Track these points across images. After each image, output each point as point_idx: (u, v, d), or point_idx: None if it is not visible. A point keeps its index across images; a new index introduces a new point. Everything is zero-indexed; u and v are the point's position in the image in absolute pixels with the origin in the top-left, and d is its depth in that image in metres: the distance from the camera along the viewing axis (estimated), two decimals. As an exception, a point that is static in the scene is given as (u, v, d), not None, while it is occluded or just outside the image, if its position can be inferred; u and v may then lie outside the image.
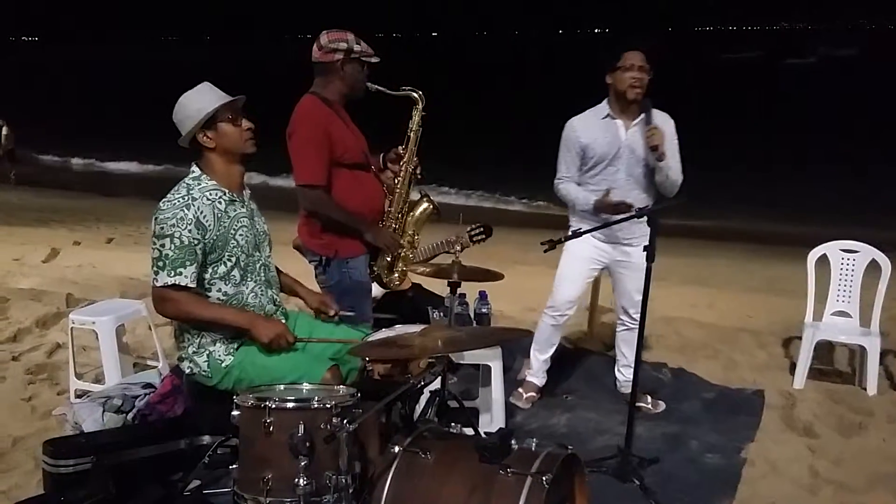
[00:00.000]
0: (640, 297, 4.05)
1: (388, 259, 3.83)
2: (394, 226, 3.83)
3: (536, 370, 4.35)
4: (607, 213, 3.79)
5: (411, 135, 3.83)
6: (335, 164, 3.59)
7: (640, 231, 3.96)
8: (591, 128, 3.94)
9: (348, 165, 3.63)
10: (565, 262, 4.17)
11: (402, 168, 3.83)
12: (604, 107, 3.97)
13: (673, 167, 3.90)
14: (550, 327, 4.26)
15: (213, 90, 2.99)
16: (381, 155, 3.92)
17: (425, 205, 3.96)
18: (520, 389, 4.33)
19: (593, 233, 3.89)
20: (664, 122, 3.94)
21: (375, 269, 3.79)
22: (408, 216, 3.90)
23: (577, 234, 3.72)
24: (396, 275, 3.87)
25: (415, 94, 3.81)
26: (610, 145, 3.90)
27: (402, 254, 3.87)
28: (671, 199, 3.84)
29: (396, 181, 3.84)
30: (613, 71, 3.87)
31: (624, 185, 3.91)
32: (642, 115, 3.90)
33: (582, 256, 4.10)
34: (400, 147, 3.85)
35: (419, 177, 3.87)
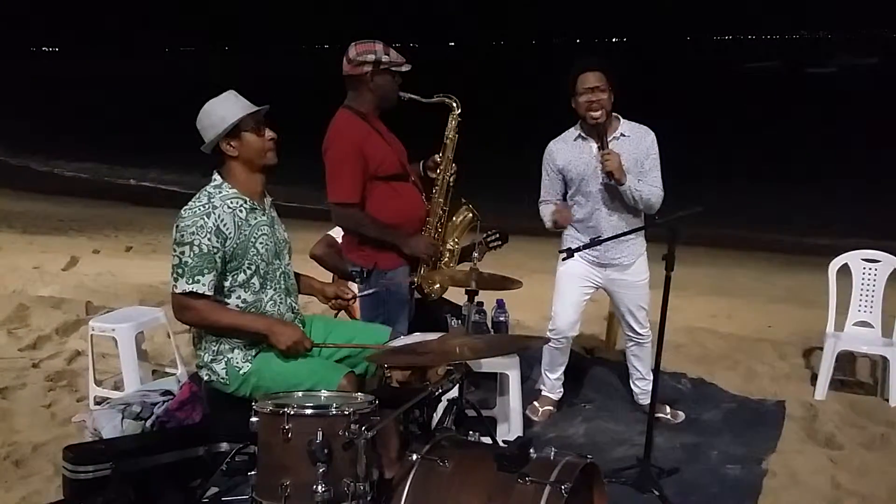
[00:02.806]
0: (643, 313, 4.08)
1: (429, 267, 3.77)
2: (433, 234, 3.77)
3: (550, 387, 4.33)
4: (557, 226, 3.86)
5: (447, 142, 3.78)
6: (371, 178, 3.58)
7: (627, 250, 3.96)
8: (565, 150, 3.94)
9: (385, 178, 3.61)
10: (559, 285, 4.13)
11: (439, 176, 3.78)
12: (575, 128, 3.94)
13: (642, 189, 3.80)
14: (555, 350, 4.23)
15: (238, 99, 3.01)
16: (421, 163, 3.87)
17: (465, 212, 3.89)
18: (535, 403, 4.31)
19: (581, 256, 3.91)
20: (641, 136, 3.87)
21: (416, 279, 3.74)
22: (447, 224, 3.84)
23: (596, 242, 3.70)
24: (438, 286, 3.80)
25: (449, 101, 3.76)
26: (586, 165, 3.87)
27: (442, 262, 3.82)
28: (687, 209, 3.76)
29: (434, 190, 3.79)
30: (573, 95, 3.82)
31: (604, 203, 3.89)
32: (619, 133, 3.86)
33: (575, 275, 4.06)
34: (437, 155, 3.80)
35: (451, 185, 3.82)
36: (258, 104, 3.03)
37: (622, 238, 3.80)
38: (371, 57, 3.56)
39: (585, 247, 3.70)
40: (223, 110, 2.96)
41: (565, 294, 4.11)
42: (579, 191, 3.93)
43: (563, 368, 4.29)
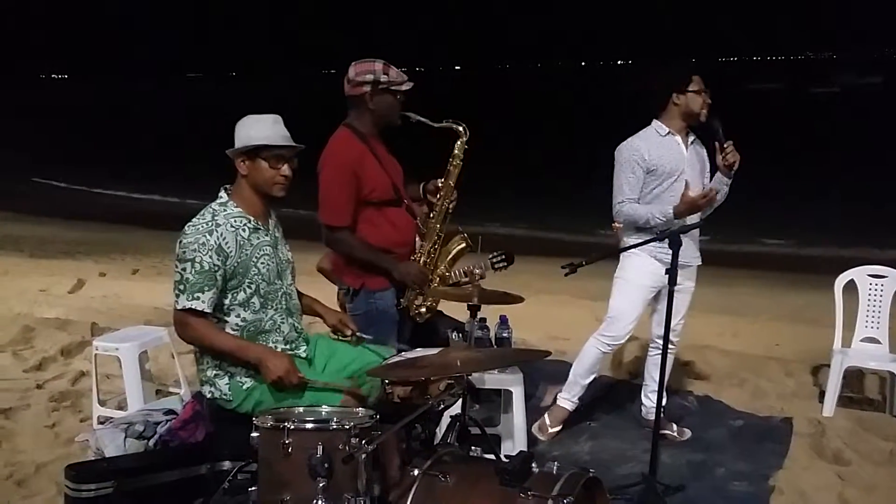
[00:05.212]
0: (681, 321, 4.10)
1: (416, 292, 3.73)
2: (425, 261, 3.73)
3: (574, 395, 4.24)
4: (693, 211, 3.78)
5: (451, 168, 3.73)
6: (362, 203, 3.56)
7: (691, 253, 4.00)
8: (654, 146, 3.93)
9: (376, 203, 3.59)
10: (624, 290, 4.06)
11: (438, 203, 3.74)
12: (660, 126, 3.98)
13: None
14: (601, 354, 4.17)
15: (275, 125, 3.01)
16: (422, 185, 3.84)
17: (460, 241, 3.83)
18: (546, 419, 4.25)
19: (655, 256, 3.90)
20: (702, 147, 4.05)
21: (403, 302, 3.72)
22: (441, 251, 3.79)
23: (597, 258, 3.68)
24: (424, 309, 3.78)
25: (457, 127, 3.71)
26: (676, 162, 3.92)
27: (431, 288, 3.76)
28: (689, 223, 3.79)
29: (431, 215, 3.75)
30: (683, 92, 3.92)
31: None
32: (692, 136, 4.03)
33: (642, 284, 4.01)
34: (439, 180, 3.76)
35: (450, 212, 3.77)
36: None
37: (694, 238, 3.96)
38: (370, 77, 3.55)
39: (588, 262, 3.67)
40: (254, 130, 2.97)
41: (632, 296, 4.05)
42: (662, 186, 3.92)
43: (593, 377, 4.24)
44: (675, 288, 3.88)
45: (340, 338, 3.34)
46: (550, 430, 4.23)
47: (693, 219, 3.84)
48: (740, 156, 3.83)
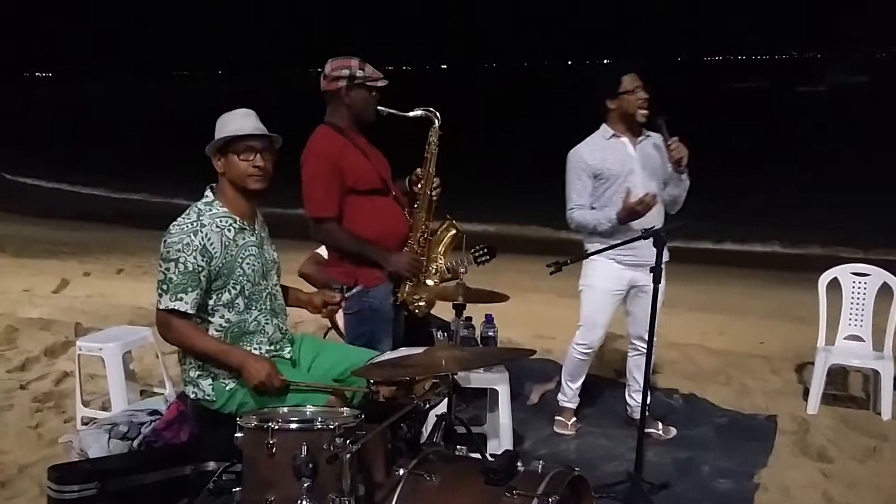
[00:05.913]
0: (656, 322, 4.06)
1: (412, 284, 3.69)
2: (416, 250, 3.70)
3: (570, 397, 4.31)
4: (633, 217, 3.75)
5: (428, 156, 3.71)
6: (350, 192, 3.54)
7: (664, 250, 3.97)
8: (598, 150, 3.95)
9: (364, 192, 3.57)
10: (591, 293, 4.08)
11: (421, 191, 3.72)
12: (606, 129, 3.99)
13: (687, 180, 3.92)
14: (581, 362, 4.20)
15: (245, 119, 2.98)
16: (407, 179, 3.82)
17: (449, 229, 3.81)
18: (560, 418, 4.31)
19: (616, 259, 3.89)
20: (657, 139, 3.99)
21: (400, 296, 3.67)
22: (431, 241, 3.77)
23: (582, 256, 3.69)
24: (424, 302, 3.73)
25: (428, 114, 3.70)
26: (623, 163, 3.91)
27: (425, 279, 3.73)
28: (676, 221, 3.81)
29: (416, 205, 3.73)
30: (616, 96, 3.91)
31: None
32: (645, 133, 3.98)
33: (607, 289, 4.03)
34: (419, 169, 3.75)
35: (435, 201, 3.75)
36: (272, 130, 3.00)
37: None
38: (345, 72, 3.54)
39: (574, 260, 3.67)
40: (230, 125, 2.95)
41: (597, 307, 4.07)
42: (612, 189, 3.91)
43: (583, 378, 4.28)
44: (643, 290, 3.92)
45: (331, 311, 3.34)
46: (570, 425, 4.30)
47: (649, 220, 3.81)
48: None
